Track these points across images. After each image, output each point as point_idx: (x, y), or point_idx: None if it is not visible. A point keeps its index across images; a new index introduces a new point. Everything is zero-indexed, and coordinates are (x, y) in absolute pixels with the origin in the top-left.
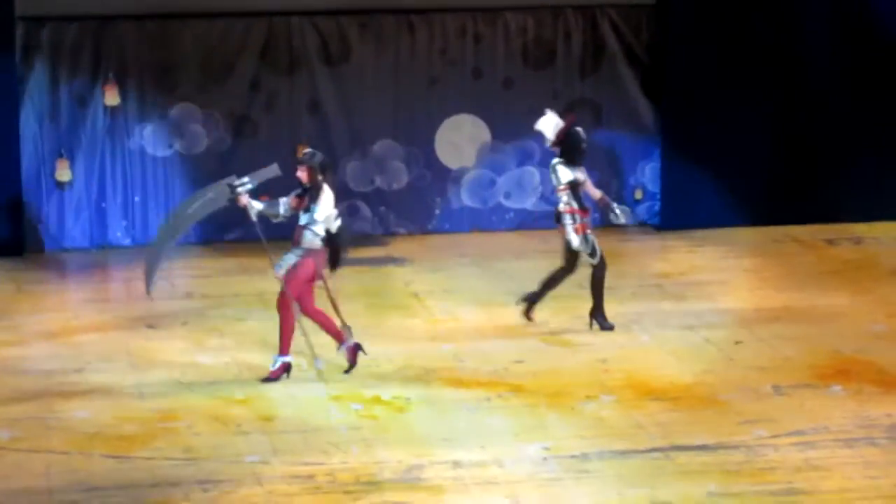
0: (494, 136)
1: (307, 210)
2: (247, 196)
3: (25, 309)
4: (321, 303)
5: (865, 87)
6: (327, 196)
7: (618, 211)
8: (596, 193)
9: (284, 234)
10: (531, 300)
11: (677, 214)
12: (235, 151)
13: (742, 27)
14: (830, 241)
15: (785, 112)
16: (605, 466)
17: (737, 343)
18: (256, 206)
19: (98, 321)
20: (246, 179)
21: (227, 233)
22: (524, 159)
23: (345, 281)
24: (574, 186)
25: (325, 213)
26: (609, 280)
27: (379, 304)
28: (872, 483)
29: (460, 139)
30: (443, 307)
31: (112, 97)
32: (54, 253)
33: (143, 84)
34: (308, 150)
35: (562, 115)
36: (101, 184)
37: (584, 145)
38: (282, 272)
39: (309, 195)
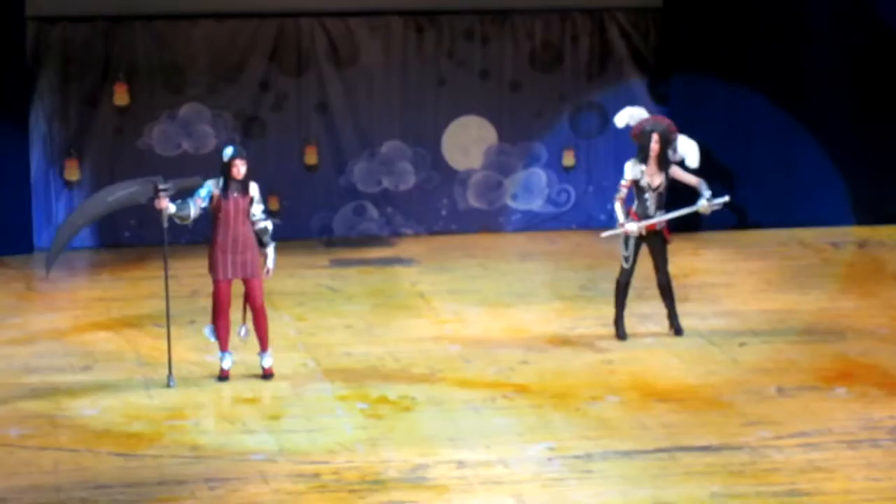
0: (501, 137)
1: (250, 204)
2: (167, 199)
3: (34, 307)
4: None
5: (871, 90)
6: (256, 188)
7: (701, 202)
8: (691, 181)
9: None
10: (616, 322)
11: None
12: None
13: (750, 30)
14: (835, 244)
15: (791, 115)
16: (609, 467)
17: (741, 345)
18: (171, 208)
19: (106, 319)
20: (169, 184)
21: None
22: (531, 161)
23: (351, 281)
24: (639, 187)
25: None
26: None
27: (385, 304)
28: (875, 485)
29: (467, 141)
30: (449, 308)
31: (122, 97)
32: (63, 252)
33: (153, 84)
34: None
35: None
36: (109, 183)
37: (652, 146)
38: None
39: (241, 187)
